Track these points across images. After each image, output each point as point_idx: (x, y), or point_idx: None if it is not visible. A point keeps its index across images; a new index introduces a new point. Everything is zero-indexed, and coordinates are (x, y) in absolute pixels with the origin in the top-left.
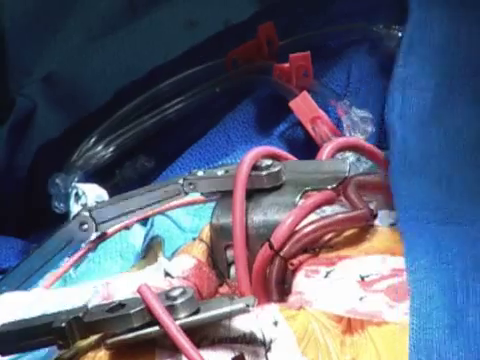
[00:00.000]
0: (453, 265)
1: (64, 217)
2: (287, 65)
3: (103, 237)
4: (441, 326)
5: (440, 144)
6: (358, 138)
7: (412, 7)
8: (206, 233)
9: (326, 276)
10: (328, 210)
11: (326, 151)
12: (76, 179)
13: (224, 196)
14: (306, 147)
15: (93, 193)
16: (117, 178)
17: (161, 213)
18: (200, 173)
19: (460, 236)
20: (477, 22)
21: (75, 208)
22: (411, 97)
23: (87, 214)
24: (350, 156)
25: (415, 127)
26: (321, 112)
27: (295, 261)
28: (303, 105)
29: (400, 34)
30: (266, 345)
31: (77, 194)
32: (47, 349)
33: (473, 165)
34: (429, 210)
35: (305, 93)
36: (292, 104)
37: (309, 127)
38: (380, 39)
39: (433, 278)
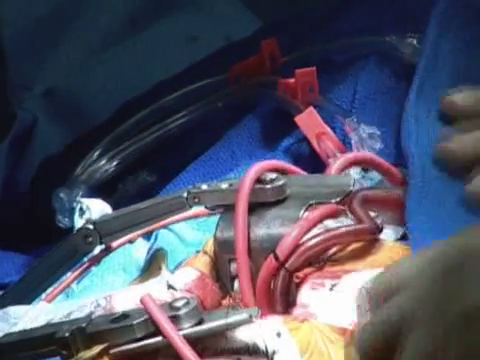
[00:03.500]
0: None
1: (67, 232)
2: (292, 80)
3: (107, 251)
4: None
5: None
6: (367, 153)
7: (424, 46)
8: (210, 246)
9: (331, 289)
10: (333, 224)
11: (335, 166)
12: (80, 194)
13: (228, 209)
14: (311, 163)
15: (97, 208)
16: (120, 192)
17: (165, 227)
18: (204, 186)
19: None
20: None
21: (79, 223)
22: (426, 130)
23: (91, 227)
24: (355, 173)
25: (432, 155)
26: (327, 128)
27: (300, 274)
28: (309, 120)
29: (415, 41)
30: (269, 356)
31: (81, 209)
32: None
33: None
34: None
35: (311, 109)
36: (298, 119)
37: (315, 143)
38: (393, 49)
39: None
